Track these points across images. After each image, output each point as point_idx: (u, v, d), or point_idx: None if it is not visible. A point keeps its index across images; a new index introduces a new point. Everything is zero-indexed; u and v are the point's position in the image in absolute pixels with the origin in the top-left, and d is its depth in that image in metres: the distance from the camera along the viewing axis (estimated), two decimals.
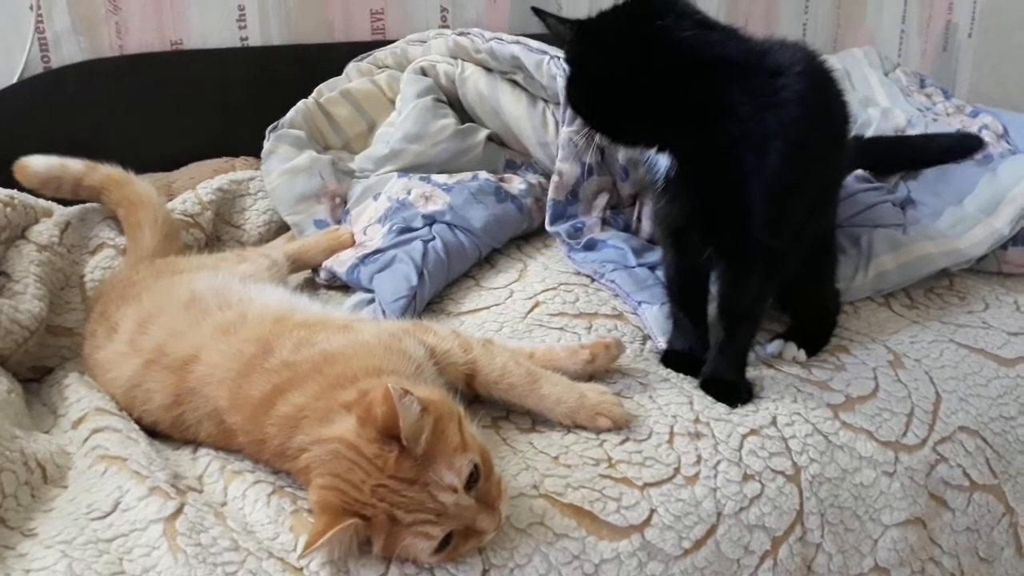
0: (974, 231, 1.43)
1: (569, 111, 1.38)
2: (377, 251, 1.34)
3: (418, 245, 1.33)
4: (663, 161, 1.07)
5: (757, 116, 1.01)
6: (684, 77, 1.01)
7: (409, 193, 1.43)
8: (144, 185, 1.37)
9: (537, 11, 1.11)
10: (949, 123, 1.87)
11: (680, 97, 1.02)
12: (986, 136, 1.79)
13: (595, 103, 1.07)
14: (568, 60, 1.10)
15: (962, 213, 1.46)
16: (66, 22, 1.65)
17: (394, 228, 1.37)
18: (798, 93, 1.03)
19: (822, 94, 1.12)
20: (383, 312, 1.25)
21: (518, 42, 1.49)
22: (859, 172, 1.57)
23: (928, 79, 2.25)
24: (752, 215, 1.06)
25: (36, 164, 1.33)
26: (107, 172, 1.36)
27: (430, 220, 1.38)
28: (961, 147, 1.64)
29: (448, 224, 1.37)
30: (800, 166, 1.05)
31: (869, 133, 1.83)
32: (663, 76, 1.01)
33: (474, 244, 1.38)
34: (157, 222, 1.31)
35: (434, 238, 1.35)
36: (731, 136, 1.02)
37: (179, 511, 0.86)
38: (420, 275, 1.29)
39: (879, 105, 2.00)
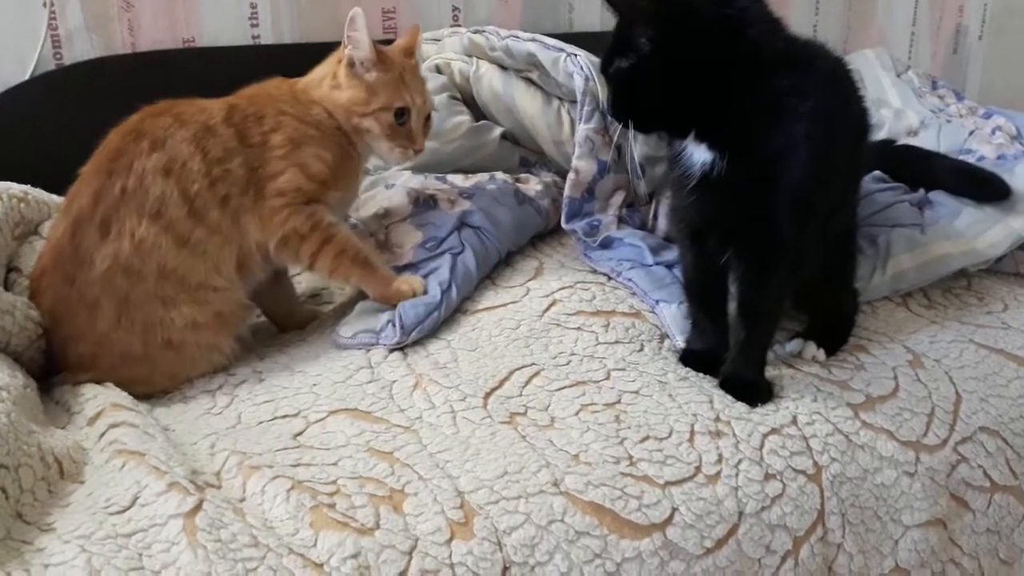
0: (992, 231, 1.42)
1: (587, 107, 1.37)
2: (409, 265, 1.31)
3: (447, 259, 1.29)
4: (701, 155, 1.05)
5: (789, 116, 1.01)
6: (749, 66, 1.01)
7: (434, 198, 1.41)
8: None
9: None
10: (963, 124, 1.86)
11: (735, 85, 1.01)
12: (999, 138, 1.78)
13: (666, 83, 1.03)
14: (650, 38, 1.01)
15: (980, 214, 1.45)
16: (79, 19, 1.65)
17: (426, 245, 1.33)
18: (826, 98, 1.03)
19: (846, 97, 1.12)
20: (400, 326, 1.19)
21: (534, 39, 1.48)
22: (876, 172, 1.56)
23: (940, 81, 2.24)
24: (776, 217, 1.05)
25: None
26: None
27: (459, 224, 1.35)
28: (989, 190, 1.50)
29: (476, 229, 1.35)
30: (824, 169, 1.05)
31: (882, 135, 1.83)
32: (731, 62, 1.00)
33: (496, 249, 1.37)
34: None
35: (463, 249, 1.31)
36: (766, 132, 1.02)
37: (198, 507, 0.85)
38: (448, 288, 1.25)
39: (892, 106, 2.00)
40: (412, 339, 1.18)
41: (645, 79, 1.03)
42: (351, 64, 1.25)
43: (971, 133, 1.80)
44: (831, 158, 1.06)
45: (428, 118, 1.32)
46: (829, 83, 1.07)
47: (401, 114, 1.25)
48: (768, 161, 1.03)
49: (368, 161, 1.37)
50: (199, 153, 1.15)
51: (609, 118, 1.36)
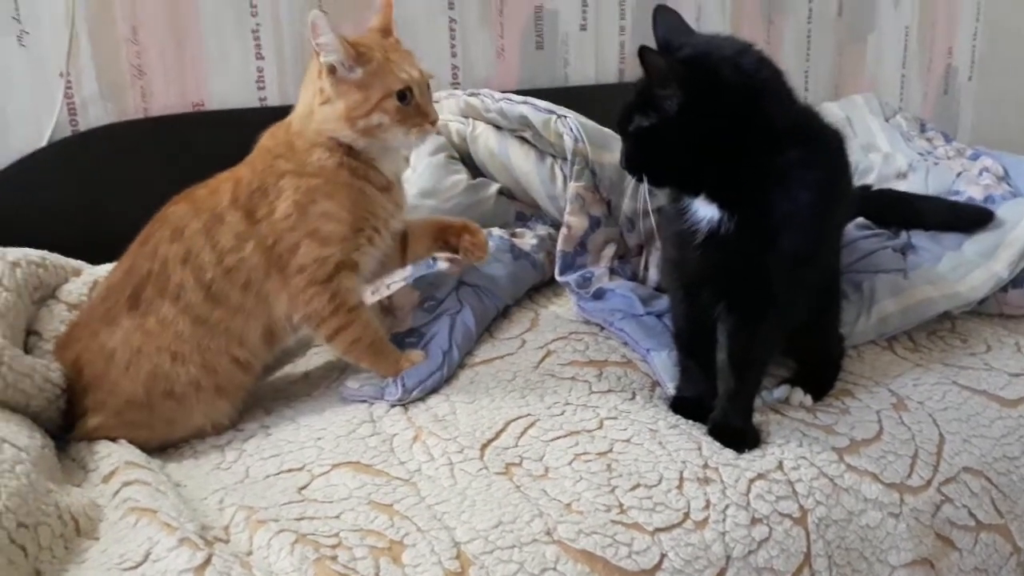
0: (974, 275, 1.46)
1: (577, 166, 1.43)
2: (411, 331, 1.35)
3: (446, 321, 1.34)
4: (709, 212, 1.11)
5: (798, 185, 1.08)
6: (763, 135, 1.06)
7: (434, 256, 1.45)
8: None
9: (643, 50, 1.04)
10: (950, 166, 1.91)
11: (750, 151, 1.07)
12: (987, 179, 1.83)
13: (687, 144, 1.08)
14: (678, 100, 1.05)
15: (961, 257, 1.49)
16: (94, 88, 1.73)
17: (424, 306, 1.38)
18: (829, 171, 1.12)
19: (843, 167, 1.19)
20: (402, 386, 1.24)
21: (526, 102, 1.55)
22: (859, 220, 1.61)
23: (929, 124, 2.29)
24: (773, 274, 1.11)
25: None
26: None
27: (457, 284, 1.40)
28: (972, 219, 1.59)
29: (474, 287, 1.40)
30: (822, 233, 1.15)
31: (871, 178, 1.88)
32: (747, 129, 1.06)
33: (494, 305, 1.42)
34: None
35: (462, 308, 1.36)
36: (775, 198, 1.08)
37: (207, 561, 0.90)
38: (449, 349, 1.30)
39: (880, 150, 2.05)
40: (414, 397, 1.23)
41: (667, 138, 1.08)
42: (332, 71, 1.21)
43: (959, 175, 1.85)
44: (828, 222, 1.15)
45: (428, 87, 1.27)
46: (831, 156, 1.15)
47: (404, 95, 1.21)
48: (774, 224, 1.08)
49: (393, 164, 1.30)
50: (209, 244, 1.21)
51: (597, 174, 1.43)
